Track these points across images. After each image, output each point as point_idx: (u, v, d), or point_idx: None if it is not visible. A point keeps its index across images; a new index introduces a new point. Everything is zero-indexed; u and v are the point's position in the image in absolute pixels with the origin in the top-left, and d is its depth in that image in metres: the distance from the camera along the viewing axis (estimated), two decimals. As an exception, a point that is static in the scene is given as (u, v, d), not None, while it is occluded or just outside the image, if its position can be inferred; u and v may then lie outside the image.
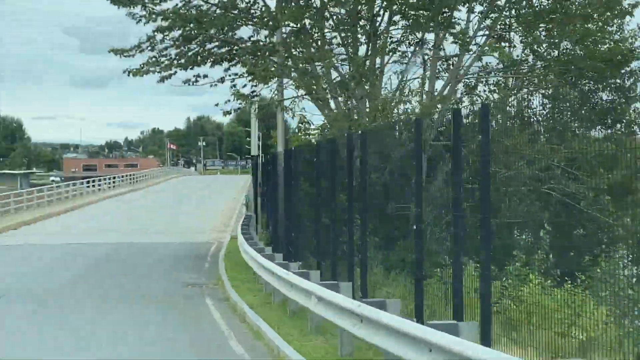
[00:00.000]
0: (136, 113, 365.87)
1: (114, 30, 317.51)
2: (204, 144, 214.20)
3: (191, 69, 25.90)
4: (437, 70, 23.87)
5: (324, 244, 17.51)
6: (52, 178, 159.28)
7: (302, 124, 24.06)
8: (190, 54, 25.02)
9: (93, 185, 67.19)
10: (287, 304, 15.67)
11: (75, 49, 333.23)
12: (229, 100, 25.78)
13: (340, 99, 22.68)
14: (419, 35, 23.37)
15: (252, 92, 25.47)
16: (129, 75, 25.04)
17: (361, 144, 14.10)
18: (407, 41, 23.52)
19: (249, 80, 24.94)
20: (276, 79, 23.46)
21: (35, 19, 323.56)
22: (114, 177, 77.20)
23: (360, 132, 15.32)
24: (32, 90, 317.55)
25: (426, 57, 23.45)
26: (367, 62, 22.44)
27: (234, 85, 25.91)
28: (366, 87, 21.81)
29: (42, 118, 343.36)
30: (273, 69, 22.52)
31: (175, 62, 24.81)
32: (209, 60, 26.00)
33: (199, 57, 25.25)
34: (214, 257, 28.06)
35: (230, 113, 26.39)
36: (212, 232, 37.31)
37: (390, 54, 23.47)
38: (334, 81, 22.42)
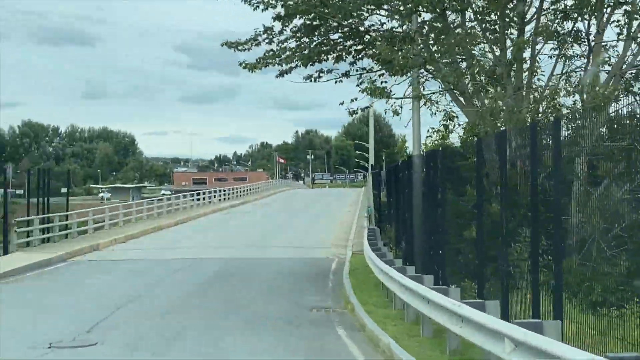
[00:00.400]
0: (244, 128, 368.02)
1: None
2: (312, 157, 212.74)
3: (312, 64, 22.99)
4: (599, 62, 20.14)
5: (482, 262, 14.14)
6: (163, 192, 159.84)
7: (447, 120, 20.38)
8: (313, 45, 22.03)
9: (203, 198, 65.31)
10: (447, 338, 12.40)
11: (185, 65, 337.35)
12: (355, 99, 22.74)
13: (489, 91, 19.24)
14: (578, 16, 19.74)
15: (383, 88, 22.26)
16: (244, 68, 22.25)
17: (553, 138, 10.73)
18: (564, 23, 19.93)
19: (380, 75, 21.78)
20: (415, 69, 19.94)
21: (146, 36, 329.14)
22: (224, 190, 75.37)
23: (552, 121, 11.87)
24: (143, 106, 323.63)
25: (589, 44, 19.74)
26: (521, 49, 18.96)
27: (361, 82, 22.90)
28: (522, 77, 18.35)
29: (153, 134, 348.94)
30: (412, 57, 19.12)
31: (297, 54, 21.89)
32: (332, 53, 23.05)
33: (322, 48, 22.32)
34: (337, 275, 25.00)
35: (357, 113, 23.27)
36: (330, 246, 34.27)
37: (544, 39, 19.87)
38: (486, 69, 18.84)
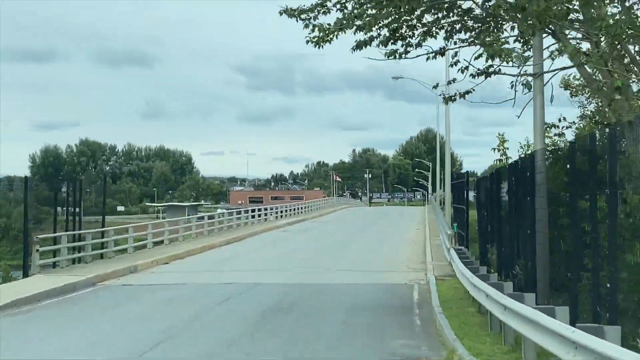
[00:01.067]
0: (301, 148, 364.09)
1: (279, 66, 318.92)
2: (369, 176, 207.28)
3: (393, 42, 17.69)
4: None
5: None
6: (219, 210, 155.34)
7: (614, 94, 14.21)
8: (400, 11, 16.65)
9: (258, 215, 60.32)
10: None
11: (242, 85, 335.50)
12: (453, 80, 17.36)
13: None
14: None
15: (488, 67, 16.79)
16: (311, 42, 17.02)
17: None
18: None
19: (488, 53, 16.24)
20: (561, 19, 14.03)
21: (203, 57, 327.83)
22: (280, 207, 70.44)
23: None
24: (200, 126, 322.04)
25: None
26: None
27: (456, 62, 17.56)
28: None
29: (211, 154, 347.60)
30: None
31: (381, 20, 16.61)
32: (419, 28, 17.75)
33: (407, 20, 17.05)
34: (424, 308, 19.53)
35: (454, 100, 17.79)
36: (406, 270, 28.83)
37: None
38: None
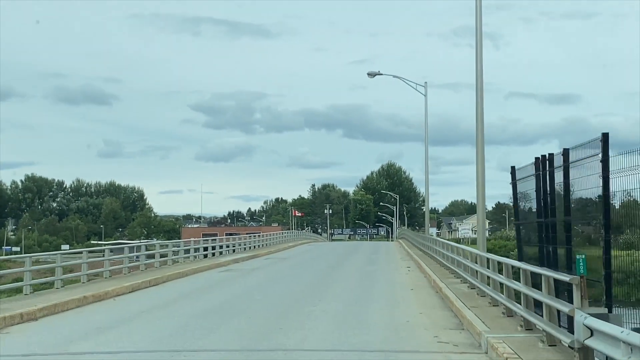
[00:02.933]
0: (260, 186, 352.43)
1: (238, 105, 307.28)
2: (330, 211, 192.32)
3: None
4: None
5: None
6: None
7: None
8: None
9: (195, 250, 44.97)
10: None
11: (201, 124, 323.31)
12: None
13: None
14: None
15: None
16: None
17: None
18: None
19: None
20: None
21: (162, 95, 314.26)
22: (227, 241, 55.21)
23: None
24: (159, 164, 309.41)
25: None
26: None
27: None
28: None
29: (169, 192, 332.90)
30: None
31: None
32: None
33: None
34: None
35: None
36: (440, 349, 14.04)
37: None
38: None
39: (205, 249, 48.01)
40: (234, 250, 54.07)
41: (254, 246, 61.14)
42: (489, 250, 25.78)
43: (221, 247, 51.21)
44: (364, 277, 32.08)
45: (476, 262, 21.93)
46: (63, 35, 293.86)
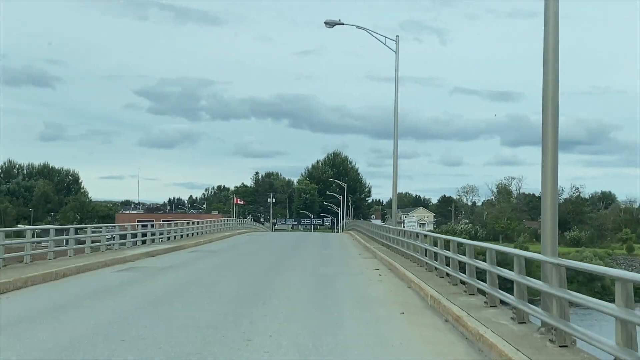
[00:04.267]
0: (204, 174, 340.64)
1: (184, 91, 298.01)
2: (273, 200, 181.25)
3: None
4: None
5: None
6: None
7: None
8: None
9: (91, 241, 33.78)
10: None
11: (145, 109, 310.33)
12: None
13: None
14: None
15: None
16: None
17: None
18: None
19: None
20: None
21: (106, 79, 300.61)
22: (146, 228, 44.18)
23: None
24: (101, 149, 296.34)
25: None
26: None
27: None
28: None
29: (110, 178, 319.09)
30: None
31: None
32: None
33: None
34: None
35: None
36: None
37: None
38: None
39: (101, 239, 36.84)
40: (153, 240, 42.99)
41: (182, 235, 50.20)
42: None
43: (135, 235, 40.10)
44: (320, 288, 21.24)
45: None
46: (4, 14, 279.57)
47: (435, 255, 22.42)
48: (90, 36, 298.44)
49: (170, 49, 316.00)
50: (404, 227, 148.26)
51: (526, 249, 72.65)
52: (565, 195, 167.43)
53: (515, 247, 30.94)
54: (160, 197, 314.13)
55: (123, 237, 37.48)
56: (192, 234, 53.92)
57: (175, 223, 51.29)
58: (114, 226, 39.65)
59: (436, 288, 18.47)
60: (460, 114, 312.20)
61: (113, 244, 35.67)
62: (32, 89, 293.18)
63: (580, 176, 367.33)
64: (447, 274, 20.34)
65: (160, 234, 45.43)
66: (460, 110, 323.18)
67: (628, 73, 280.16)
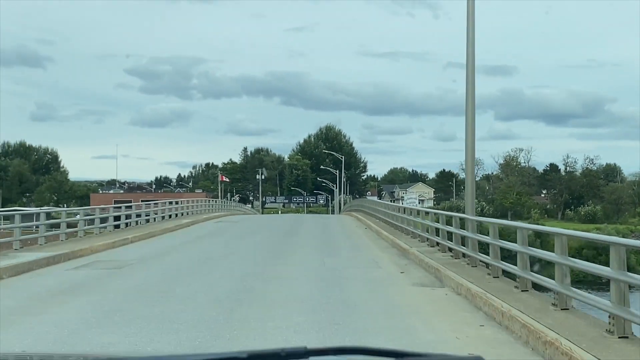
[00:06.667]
0: (195, 152, 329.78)
1: (176, 69, 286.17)
2: (263, 176, 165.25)
3: None
4: None
5: None
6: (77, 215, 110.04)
7: None
8: None
9: None
10: None
11: (136, 88, 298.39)
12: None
13: None
14: None
15: None
16: None
17: None
18: None
19: None
20: None
21: (97, 59, 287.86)
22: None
23: None
24: (93, 129, 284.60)
25: None
26: None
27: None
28: None
29: (103, 157, 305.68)
30: None
31: None
32: None
33: None
34: None
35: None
36: None
37: None
38: None
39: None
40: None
41: (129, 223, 34.90)
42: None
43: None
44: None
45: None
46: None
47: None
48: (80, 15, 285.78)
49: (161, 27, 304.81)
50: (402, 203, 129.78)
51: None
52: (578, 168, 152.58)
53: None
54: (151, 176, 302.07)
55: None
56: (138, 222, 38.43)
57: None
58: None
59: None
60: (453, 89, 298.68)
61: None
62: (24, 69, 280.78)
63: (575, 149, 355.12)
64: None
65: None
66: (453, 85, 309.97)
67: (623, 45, 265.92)
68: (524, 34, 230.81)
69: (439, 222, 23.29)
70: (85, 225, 30.78)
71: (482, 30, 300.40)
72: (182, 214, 48.49)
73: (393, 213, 35.37)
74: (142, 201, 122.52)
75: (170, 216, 46.25)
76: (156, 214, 42.81)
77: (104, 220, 32.98)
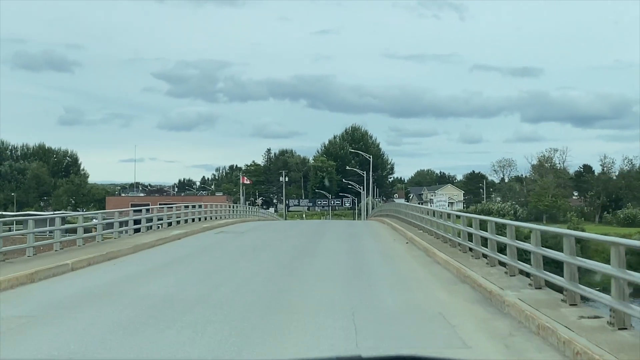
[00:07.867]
0: (222, 155, 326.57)
1: (202, 73, 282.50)
2: (286, 179, 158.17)
3: None
4: None
5: None
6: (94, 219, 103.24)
7: None
8: None
9: None
10: None
11: (164, 92, 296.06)
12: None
13: None
14: None
15: None
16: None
17: None
18: None
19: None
20: None
21: (125, 63, 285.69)
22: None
23: None
24: (120, 133, 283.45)
25: None
26: None
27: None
28: None
29: (130, 160, 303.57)
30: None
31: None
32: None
33: None
34: None
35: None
36: None
37: None
38: None
39: None
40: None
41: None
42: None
43: None
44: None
45: None
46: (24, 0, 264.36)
47: None
48: (108, 19, 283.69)
49: (188, 31, 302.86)
50: (431, 206, 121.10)
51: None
52: (616, 169, 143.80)
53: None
54: (177, 179, 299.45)
55: None
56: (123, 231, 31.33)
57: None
58: None
59: None
60: (479, 91, 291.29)
61: None
62: (52, 73, 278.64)
63: (603, 151, 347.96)
64: None
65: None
66: (479, 87, 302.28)
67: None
68: (550, 35, 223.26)
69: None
70: None
71: (508, 32, 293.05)
72: (180, 222, 41.36)
73: (453, 226, 25.78)
74: (159, 204, 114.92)
75: (169, 224, 39.29)
76: (150, 221, 35.80)
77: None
